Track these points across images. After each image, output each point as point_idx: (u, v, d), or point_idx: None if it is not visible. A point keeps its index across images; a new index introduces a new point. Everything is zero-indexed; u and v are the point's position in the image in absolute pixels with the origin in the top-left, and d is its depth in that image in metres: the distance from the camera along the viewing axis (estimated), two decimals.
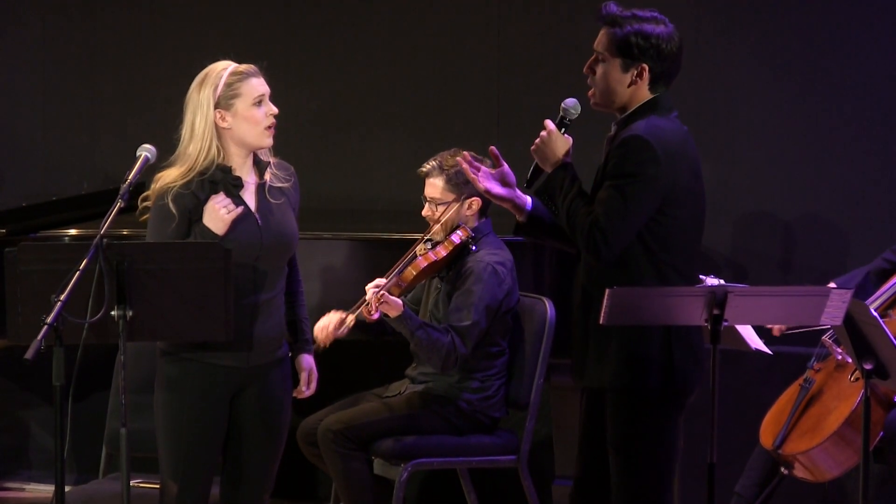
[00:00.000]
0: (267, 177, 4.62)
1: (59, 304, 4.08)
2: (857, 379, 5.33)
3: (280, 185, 4.64)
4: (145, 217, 4.56)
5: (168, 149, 4.59)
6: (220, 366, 4.53)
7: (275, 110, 4.57)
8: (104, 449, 5.55)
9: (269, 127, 4.57)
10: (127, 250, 4.22)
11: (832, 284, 5.55)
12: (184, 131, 4.55)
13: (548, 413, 6.19)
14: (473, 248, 5.55)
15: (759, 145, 6.38)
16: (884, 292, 5.42)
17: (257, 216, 4.56)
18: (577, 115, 4.35)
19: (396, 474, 5.51)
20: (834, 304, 4.24)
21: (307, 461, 5.69)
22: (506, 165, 4.42)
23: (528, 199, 4.43)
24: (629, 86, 4.30)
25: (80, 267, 4.13)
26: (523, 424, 5.65)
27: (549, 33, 6.56)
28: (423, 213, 5.65)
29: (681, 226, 4.27)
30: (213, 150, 4.52)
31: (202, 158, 4.52)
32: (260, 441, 4.62)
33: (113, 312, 4.19)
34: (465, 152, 4.49)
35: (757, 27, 6.38)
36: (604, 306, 4.08)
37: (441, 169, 5.58)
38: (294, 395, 4.76)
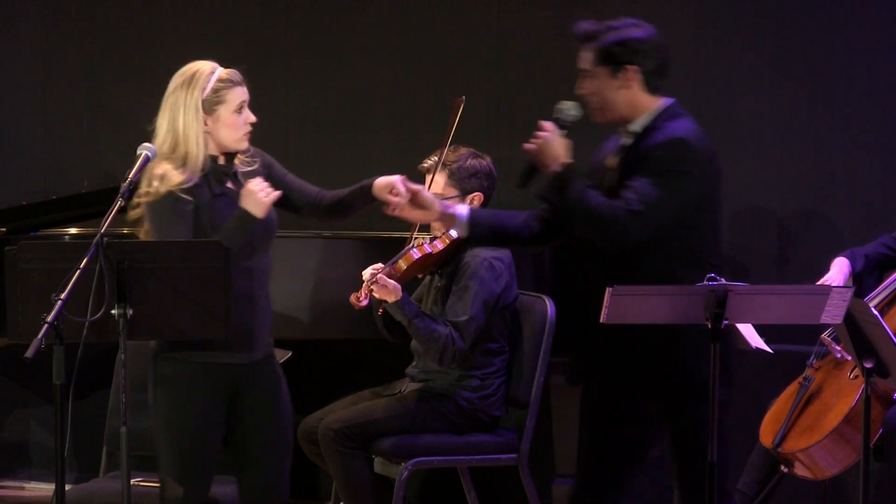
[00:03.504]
0: (236, 163, 4.68)
1: (59, 302, 4.08)
2: (855, 376, 5.32)
3: (247, 169, 4.68)
4: (133, 214, 4.55)
5: None
6: (218, 364, 4.54)
7: (253, 118, 4.64)
8: (104, 447, 5.56)
9: (247, 133, 4.64)
10: (127, 249, 4.23)
11: (837, 269, 5.54)
12: (162, 125, 4.58)
13: (548, 412, 6.18)
14: None
15: (758, 144, 6.38)
16: (884, 289, 5.42)
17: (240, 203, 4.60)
18: (574, 119, 4.39)
19: (397, 473, 5.51)
20: (834, 303, 4.25)
21: (307, 460, 5.69)
22: (418, 188, 4.54)
23: (463, 210, 4.48)
24: (621, 89, 4.36)
25: (81, 265, 4.14)
26: (524, 423, 5.65)
27: (549, 33, 6.55)
28: None
29: (715, 223, 4.39)
30: (206, 149, 4.58)
31: (201, 159, 4.57)
32: (272, 435, 4.65)
33: (113, 311, 4.20)
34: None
35: (757, 27, 6.38)
36: (604, 305, 4.08)
37: (443, 165, 5.57)
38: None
